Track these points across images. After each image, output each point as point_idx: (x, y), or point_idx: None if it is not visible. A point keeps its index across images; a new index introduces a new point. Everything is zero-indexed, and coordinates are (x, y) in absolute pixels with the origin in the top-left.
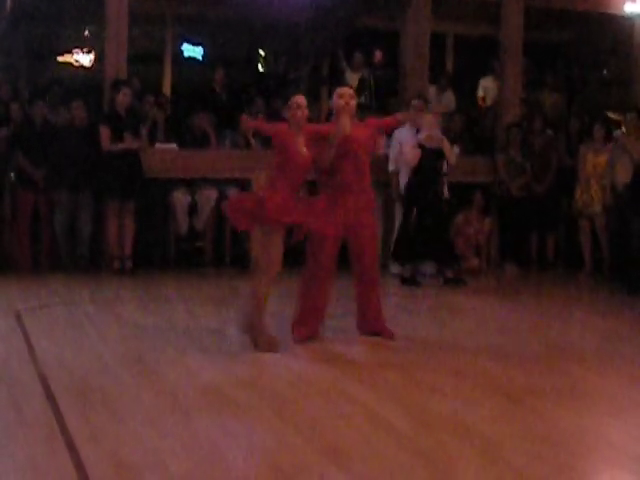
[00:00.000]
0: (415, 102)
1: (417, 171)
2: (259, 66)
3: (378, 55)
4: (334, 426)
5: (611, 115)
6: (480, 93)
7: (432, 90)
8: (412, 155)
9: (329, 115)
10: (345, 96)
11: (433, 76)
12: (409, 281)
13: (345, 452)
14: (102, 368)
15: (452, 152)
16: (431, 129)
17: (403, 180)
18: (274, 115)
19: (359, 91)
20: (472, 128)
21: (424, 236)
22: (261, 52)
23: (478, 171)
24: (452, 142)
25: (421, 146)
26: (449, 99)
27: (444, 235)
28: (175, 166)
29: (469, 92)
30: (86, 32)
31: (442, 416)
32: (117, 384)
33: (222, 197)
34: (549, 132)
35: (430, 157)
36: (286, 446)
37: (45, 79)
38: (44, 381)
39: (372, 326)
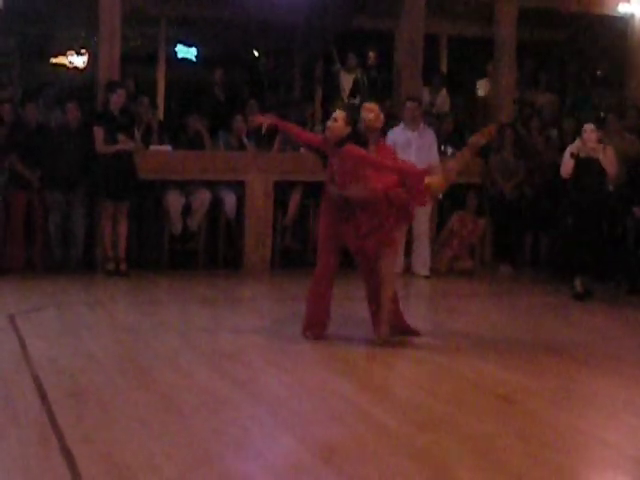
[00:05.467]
0: (409, 104)
1: (573, 182)
2: (252, 67)
3: (372, 56)
4: (328, 427)
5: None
6: (480, 93)
7: (426, 91)
8: (565, 166)
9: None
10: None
11: (427, 77)
12: (582, 296)
13: (339, 453)
14: (95, 369)
15: (612, 162)
16: (588, 138)
17: None
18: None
19: (353, 92)
20: (464, 129)
21: (582, 249)
22: (255, 53)
23: (472, 172)
24: (443, 143)
25: (575, 156)
26: (443, 100)
27: (603, 248)
28: (169, 168)
29: (464, 92)
30: (80, 33)
31: (436, 416)
32: (110, 385)
33: (216, 199)
34: (551, 131)
35: (585, 167)
36: (280, 447)
37: (37, 81)
38: (37, 383)
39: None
